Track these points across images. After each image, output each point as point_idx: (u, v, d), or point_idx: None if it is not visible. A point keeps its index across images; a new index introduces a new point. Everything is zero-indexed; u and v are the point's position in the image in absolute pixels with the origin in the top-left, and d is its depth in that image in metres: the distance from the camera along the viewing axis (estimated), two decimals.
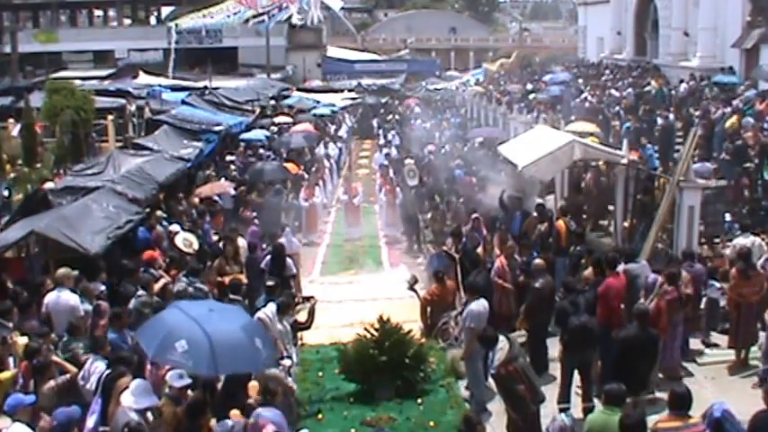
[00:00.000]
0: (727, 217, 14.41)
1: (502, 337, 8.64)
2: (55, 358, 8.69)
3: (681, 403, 6.83)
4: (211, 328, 7.40)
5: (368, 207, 21.72)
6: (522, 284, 11.78)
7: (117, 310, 9.69)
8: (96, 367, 8.45)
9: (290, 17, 52.77)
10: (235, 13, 49.61)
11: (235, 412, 7.54)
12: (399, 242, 19.17)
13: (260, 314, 10.06)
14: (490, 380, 9.54)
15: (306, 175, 22.39)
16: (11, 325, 9.34)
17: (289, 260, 14.01)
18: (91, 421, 7.69)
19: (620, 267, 10.60)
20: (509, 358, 8.42)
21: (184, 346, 7.16)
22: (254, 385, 7.84)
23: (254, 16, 49.50)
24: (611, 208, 15.56)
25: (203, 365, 7.26)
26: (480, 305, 10.17)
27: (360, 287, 15.88)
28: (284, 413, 8.79)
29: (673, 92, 26.09)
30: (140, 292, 10.72)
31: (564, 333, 9.50)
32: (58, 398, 7.95)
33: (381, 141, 30.63)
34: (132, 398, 7.27)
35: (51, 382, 8.18)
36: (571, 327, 9.29)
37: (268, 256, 13.43)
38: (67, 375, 8.42)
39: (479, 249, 13.43)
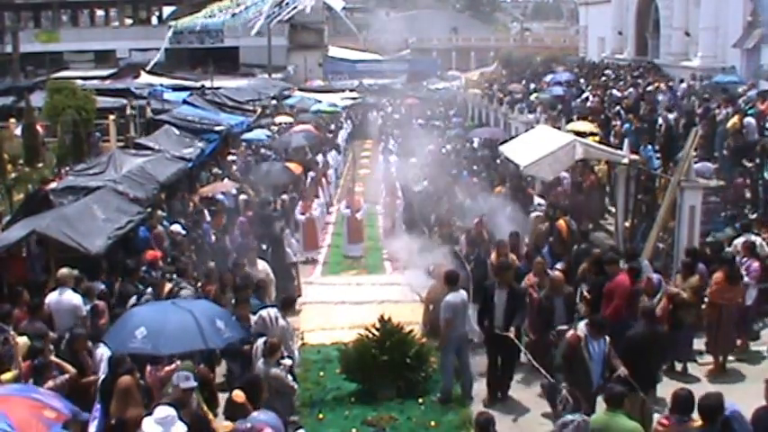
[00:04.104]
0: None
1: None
2: (54, 359, 8.65)
3: (683, 406, 6.82)
4: (169, 312, 8.28)
5: (369, 207, 21.54)
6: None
7: (120, 312, 9.68)
8: (102, 354, 8.64)
9: (291, 17, 52.89)
10: (241, 12, 49.82)
11: (227, 424, 7.37)
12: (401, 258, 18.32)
13: (262, 312, 10.11)
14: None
15: (308, 176, 22.17)
16: (11, 327, 9.32)
17: (288, 249, 14.02)
18: (92, 427, 7.68)
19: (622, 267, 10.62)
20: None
21: (143, 332, 7.83)
22: (237, 393, 7.67)
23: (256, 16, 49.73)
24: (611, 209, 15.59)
25: (162, 346, 7.92)
26: (458, 297, 10.18)
27: (360, 289, 15.78)
28: (285, 412, 8.82)
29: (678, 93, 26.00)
30: (149, 290, 10.76)
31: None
32: None
33: (382, 146, 30.41)
34: (159, 428, 7.08)
35: (50, 383, 8.14)
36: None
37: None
38: (66, 376, 8.37)
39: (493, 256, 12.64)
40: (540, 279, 10.93)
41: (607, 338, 8.61)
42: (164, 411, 7.05)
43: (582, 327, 8.71)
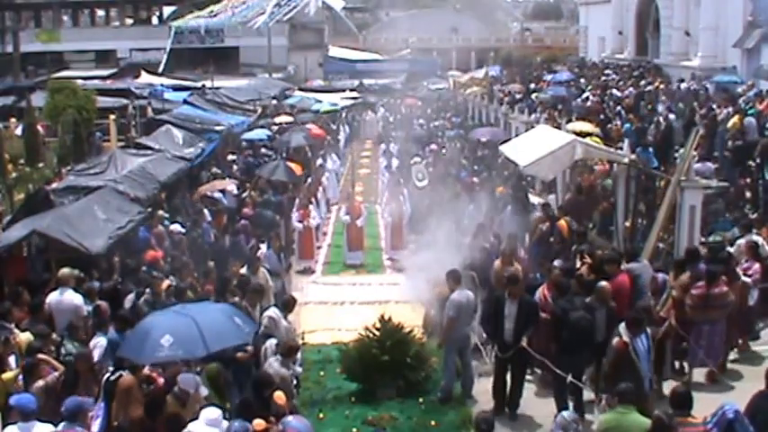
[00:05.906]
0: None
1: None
2: (43, 356, 8.58)
3: (682, 402, 6.86)
4: (190, 314, 7.81)
5: (369, 206, 21.47)
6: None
7: (123, 313, 9.70)
8: (98, 342, 8.68)
9: (291, 17, 52.94)
10: (241, 11, 49.96)
11: (259, 422, 7.26)
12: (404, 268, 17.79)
13: (269, 312, 10.16)
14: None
15: (307, 178, 22.00)
16: (12, 325, 9.33)
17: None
18: (95, 426, 7.68)
19: (622, 267, 10.61)
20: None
21: (169, 339, 7.41)
22: (279, 395, 7.74)
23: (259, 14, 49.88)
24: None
25: (195, 349, 7.51)
26: (463, 295, 10.17)
27: (360, 289, 15.76)
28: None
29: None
30: (147, 290, 10.77)
31: (563, 331, 9.32)
32: (47, 397, 7.92)
33: (383, 147, 30.35)
34: (216, 429, 7.04)
35: (41, 382, 8.12)
36: (573, 322, 9.17)
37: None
38: (56, 374, 8.31)
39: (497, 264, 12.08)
40: (553, 290, 10.42)
41: (649, 331, 8.57)
42: (213, 413, 7.07)
43: (623, 330, 8.54)
